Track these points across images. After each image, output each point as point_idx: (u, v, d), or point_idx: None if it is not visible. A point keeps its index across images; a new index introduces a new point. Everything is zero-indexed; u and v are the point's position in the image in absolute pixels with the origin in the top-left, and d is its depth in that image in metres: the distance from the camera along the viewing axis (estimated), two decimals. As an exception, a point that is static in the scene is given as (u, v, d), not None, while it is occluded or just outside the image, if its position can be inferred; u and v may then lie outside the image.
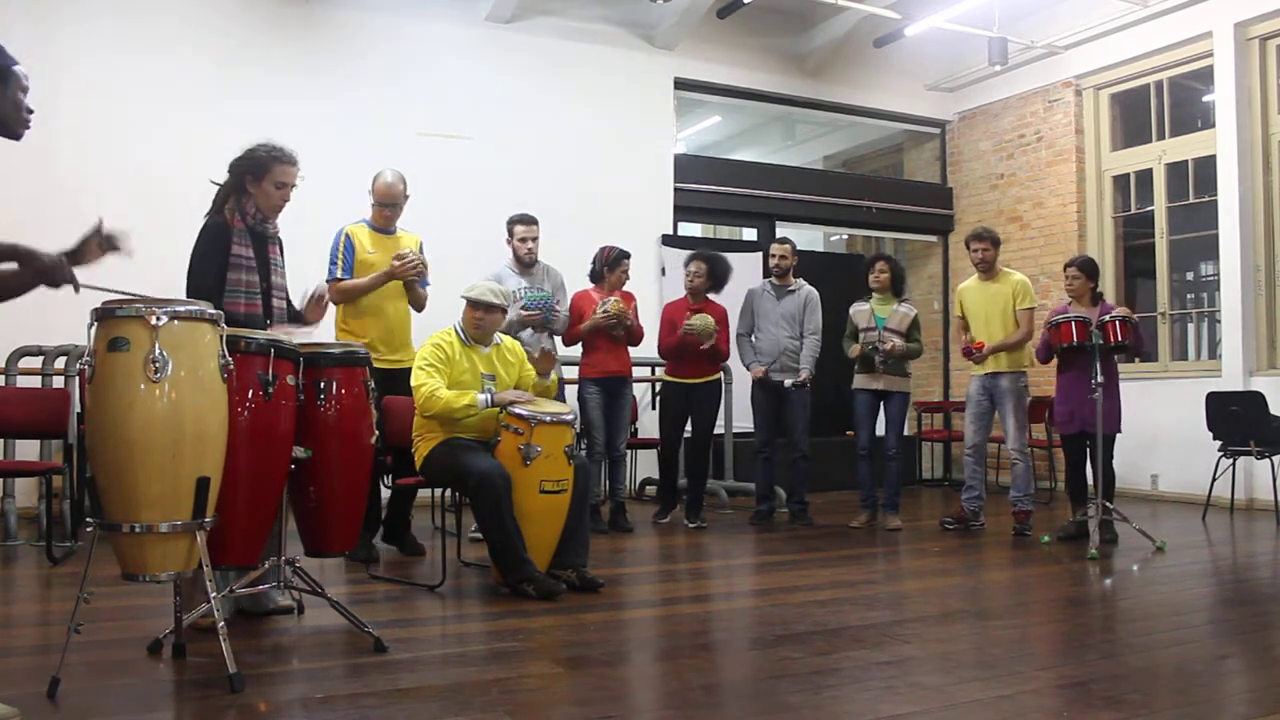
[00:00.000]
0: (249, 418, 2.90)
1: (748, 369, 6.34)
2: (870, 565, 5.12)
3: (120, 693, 2.68)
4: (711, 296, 6.17)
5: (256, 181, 3.44)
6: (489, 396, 4.14)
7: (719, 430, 7.67)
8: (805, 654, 3.14)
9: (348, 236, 4.89)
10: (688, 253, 6.54)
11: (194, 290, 3.31)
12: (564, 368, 6.38)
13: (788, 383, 6.13)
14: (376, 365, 4.57)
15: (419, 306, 5.02)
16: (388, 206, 4.93)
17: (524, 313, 5.41)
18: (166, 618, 3.08)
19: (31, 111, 2.49)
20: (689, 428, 6.24)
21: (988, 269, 6.08)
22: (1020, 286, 6.00)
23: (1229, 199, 7.44)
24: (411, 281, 4.84)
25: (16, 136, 2.50)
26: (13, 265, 2.40)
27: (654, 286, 8.02)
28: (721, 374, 6.38)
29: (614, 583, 4.32)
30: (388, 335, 4.86)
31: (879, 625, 3.57)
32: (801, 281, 6.36)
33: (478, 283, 4.45)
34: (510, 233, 5.63)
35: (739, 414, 7.67)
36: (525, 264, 5.61)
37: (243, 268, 3.40)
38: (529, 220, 5.62)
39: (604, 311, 5.73)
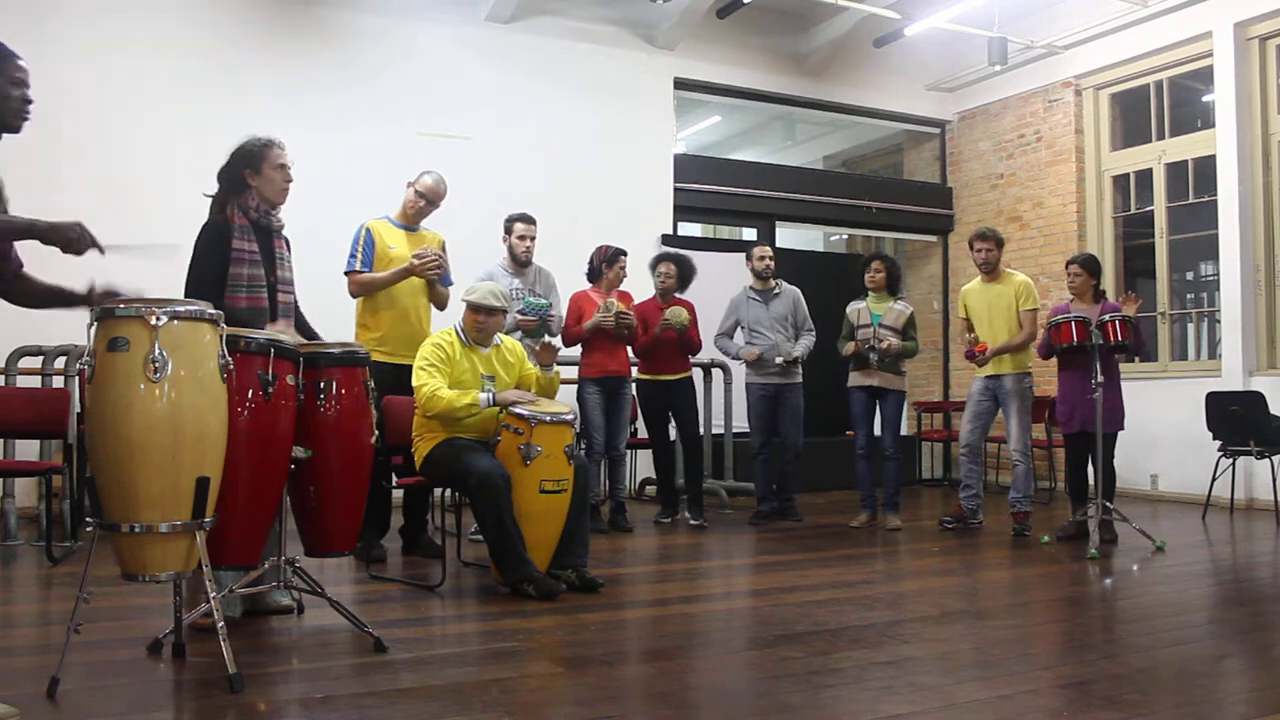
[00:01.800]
0: (249, 418, 2.90)
1: (737, 357, 6.38)
2: (870, 565, 5.12)
3: (120, 693, 2.68)
4: (678, 295, 6.23)
5: (256, 172, 3.46)
6: (490, 396, 4.14)
7: (719, 430, 7.69)
8: (805, 654, 3.14)
9: (368, 231, 4.90)
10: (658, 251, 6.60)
11: (192, 292, 3.32)
12: (563, 368, 6.39)
13: (778, 359, 6.18)
14: (392, 362, 4.68)
15: (440, 304, 5.03)
16: (429, 202, 4.97)
17: (520, 318, 5.40)
18: (166, 618, 3.08)
19: (30, 103, 2.48)
20: (674, 427, 6.27)
21: (991, 270, 6.08)
22: (1023, 288, 5.99)
23: (1229, 199, 7.44)
24: (432, 279, 4.85)
25: (14, 129, 2.49)
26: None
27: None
28: (694, 371, 6.42)
29: (614, 583, 4.32)
30: (405, 332, 4.86)
31: (879, 625, 3.57)
32: (780, 281, 6.43)
33: (477, 285, 4.44)
34: (508, 230, 5.62)
35: (739, 414, 7.68)
36: (521, 263, 5.61)
37: (245, 262, 3.40)
38: (529, 219, 5.61)
39: (609, 313, 5.73)
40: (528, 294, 5.56)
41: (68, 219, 2.44)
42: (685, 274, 6.20)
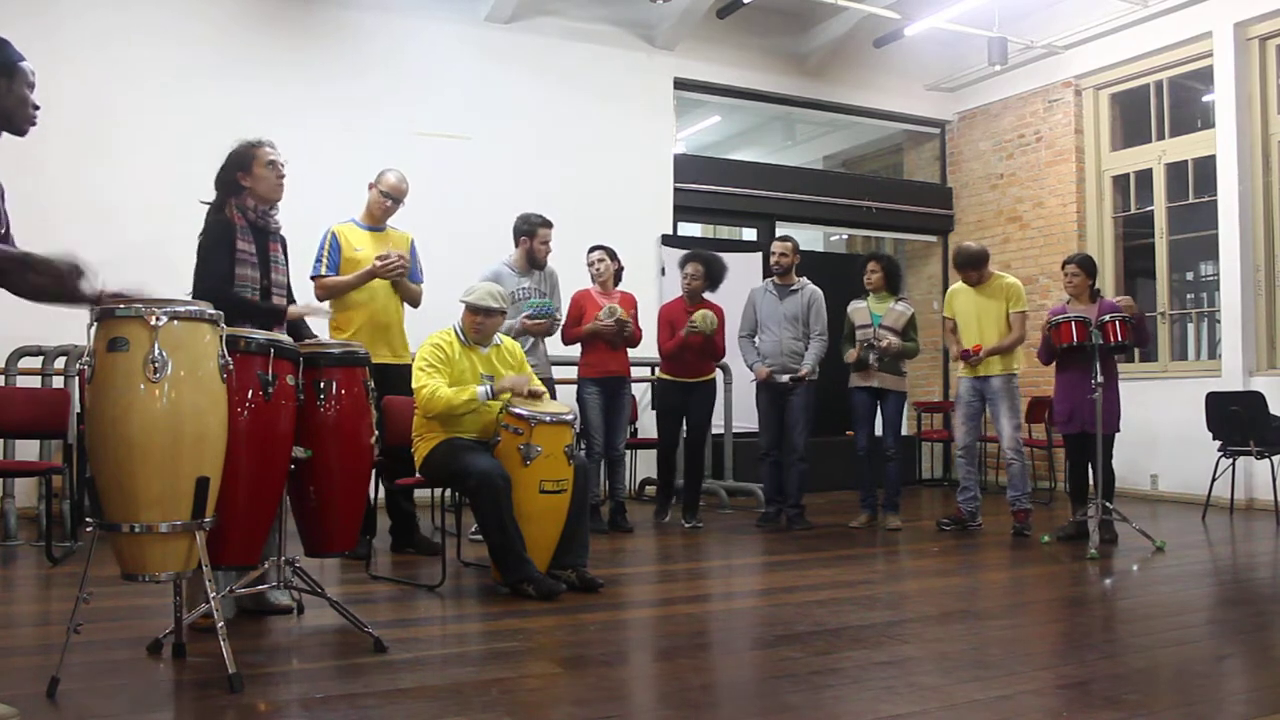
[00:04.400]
0: (249, 418, 2.90)
1: (750, 369, 6.30)
2: (870, 565, 5.12)
3: (120, 693, 2.68)
4: (708, 296, 6.15)
5: (248, 173, 3.49)
6: (488, 388, 4.13)
7: (719, 430, 7.69)
8: (805, 654, 3.14)
9: (334, 235, 4.93)
10: (683, 253, 6.52)
11: (205, 288, 3.32)
12: (563, 368, 6.40)
13: (785, 378, 6.08)
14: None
15: (413, 302, 5.04)
16: (394, 200, 4.99)
17: (529, 321, 5.38)
18: (166, 618, 3.08)
19: (38, 108, 2.51)
20: (685, 427, 6.23)
21: (979, 280, 6.06)
22: (1013, 290, 5.99)
23: (1229, 199, 7.44)
24: (397, 280, 4.86)
25: (21, 133, 2.52)
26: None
27: (654, 286, 8.03)
28: (716, 374, 6.36)
29: (614, 583, 4.32)
30: (375, 331, 4.87)
31: (879, 625, 3.57)
32: (805, 280, 6.26)
33: (476, 285, 4.43)
34: (529, 234, 5.55)
35: (739, 414, 7.67)
36: (541, 266, 5.62)
37: (246, 264, 3.45)
38: (551, 223, 5.61)
39: (614, 319, 5.73)
40: (534, 294, 5.55)
41: (63, 249, 2.44)
42: (714, 274, 6.08)
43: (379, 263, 4.74)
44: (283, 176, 3.55)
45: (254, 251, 3.47)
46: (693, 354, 6.05)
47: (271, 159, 3.51)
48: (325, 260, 4.88)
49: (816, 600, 4.04)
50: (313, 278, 4.88)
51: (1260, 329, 7.37)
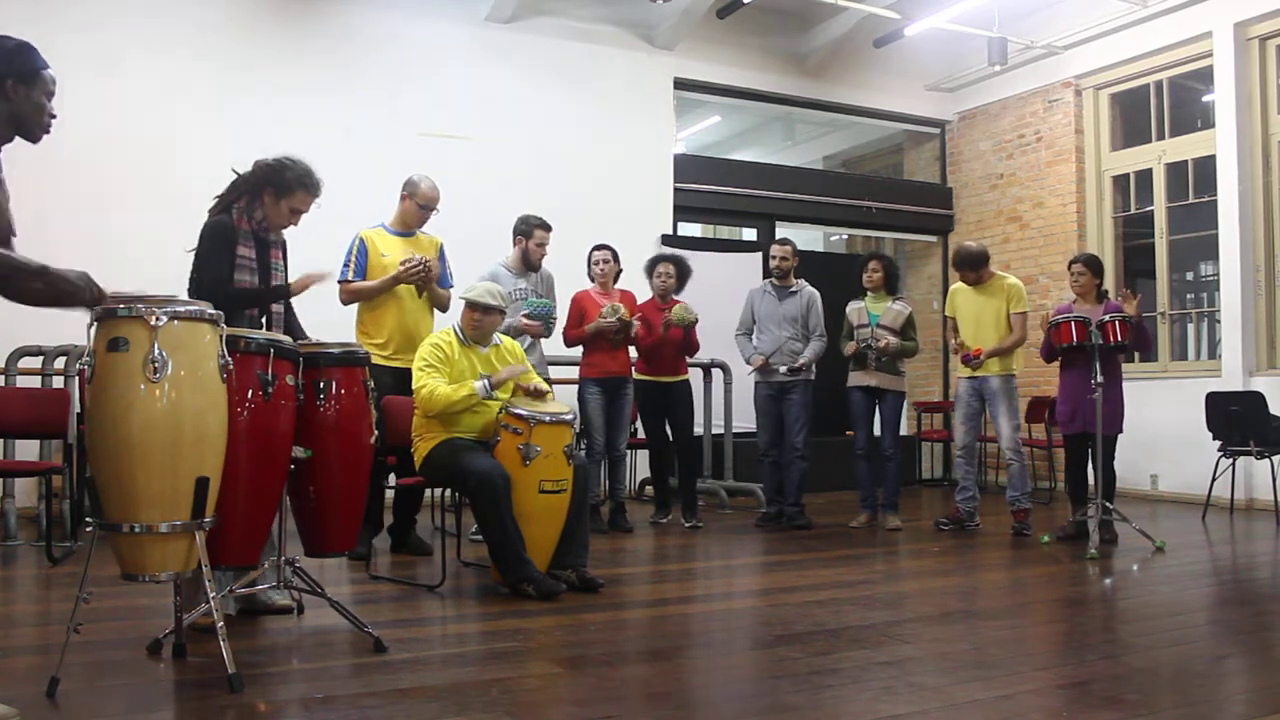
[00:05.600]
0: (249, 418, 2.90)
1: (748, 363, 6.30)
2: (870, 565, 5.12)
3: (120, 693, 2.68)
4: (676, 295, 6.18)
5: (275, 199, 3.46)
6: (486, 383, 4.13)
7: (719, 430, 7.69)
8: (805, 654, 3.14)
9: (362, 241, 4.95)
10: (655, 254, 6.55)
11: (205, 287, 3.32)
12: (564, 368, 6.40)
13: (782, 368, 6.09)
14: (393, 365, 4.74)
15: (441, 306, 5.08)
16: (429, 209, 5.03)
17: (526, 322, 5.40)
18: (166, 618, 3.08)
19: (54, 117, 2.52)
20: (670, 429, 6.22)
21: (977, 280, 6.06)
22: (1013, 291, 5.98)
23: (1229, 199, 7.45)
24: (419, 285, 4.88)
25: (34, 139, 2.52)
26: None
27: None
28: (691, 373, 6.36)
29: (614, 583, 4.31)
30: (404, 335, 4.90)
31: (878, 625, 3.57)
32: (803, 282, 6.30)
33: (475, 284, 4.45)
34: (527, 235, 5.57)
35: (739, 414, 7.67)
36: (536, 269, 5.62)
37: (245, 269, 3.45)
38: (549, 227, 5.62)
39: (617, 318, 5.73)
40: (531, 295, 5.56)
41: (75, 267, 2.43)
42: (683, 274, 6.17)
43: (403, 267, 4.78)
44: (295, 224, 3.54)
45: (254, 257, 3.47)
46: (671, 349, 6.07)
47: (299, 208, 3.48)
48: (353, 265, 4.91)
49: (816, 600, 4.04)
50: (339, 282, 4.90)
51: (1260, 329, 7.37)
